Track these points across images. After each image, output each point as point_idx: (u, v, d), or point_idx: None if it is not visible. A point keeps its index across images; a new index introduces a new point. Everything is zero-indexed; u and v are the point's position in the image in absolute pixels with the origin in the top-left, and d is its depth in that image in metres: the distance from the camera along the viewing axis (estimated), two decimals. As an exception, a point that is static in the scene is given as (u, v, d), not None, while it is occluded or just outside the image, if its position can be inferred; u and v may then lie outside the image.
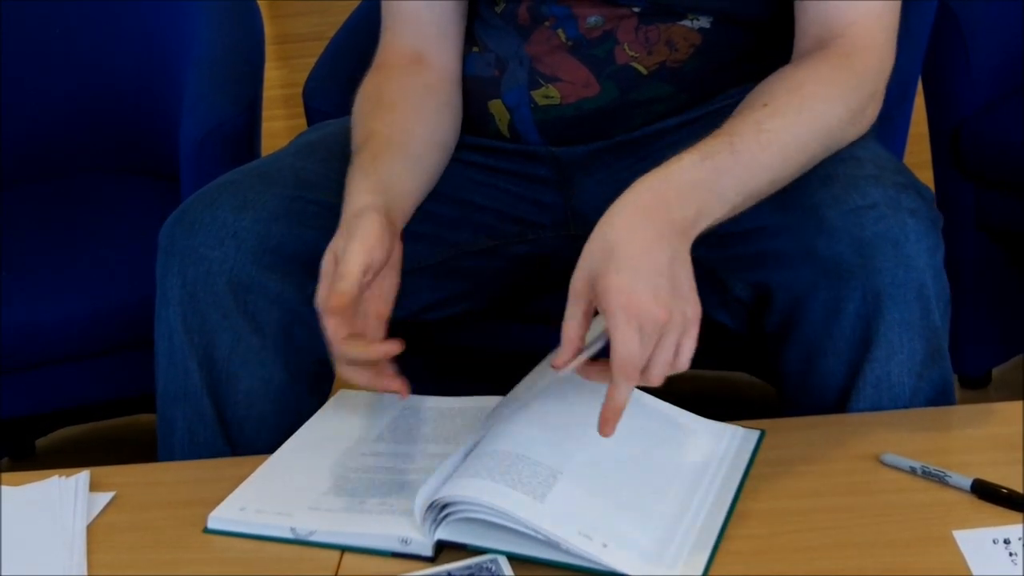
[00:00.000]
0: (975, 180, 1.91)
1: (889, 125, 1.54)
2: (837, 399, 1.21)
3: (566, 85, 1.35)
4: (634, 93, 1.34)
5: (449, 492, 1.03)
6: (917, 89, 1.64)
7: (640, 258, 1.04)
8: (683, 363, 1.04)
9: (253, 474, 1.17)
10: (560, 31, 1.34)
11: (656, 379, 1.04)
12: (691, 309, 1.05)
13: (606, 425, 1.05)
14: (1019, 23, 1.91)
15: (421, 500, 1.04)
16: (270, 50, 2.07)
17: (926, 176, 1.81)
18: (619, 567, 0.99)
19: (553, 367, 1.06)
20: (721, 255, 1.25)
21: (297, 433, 1.23)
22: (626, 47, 1.33)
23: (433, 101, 1.39)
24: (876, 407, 1.20)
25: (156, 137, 1.96)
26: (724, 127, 1.16)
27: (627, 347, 1.02)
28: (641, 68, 1.33)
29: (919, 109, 1.74)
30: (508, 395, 1.16)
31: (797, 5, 1.27)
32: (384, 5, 1.43)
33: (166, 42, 1.95)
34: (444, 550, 1.04)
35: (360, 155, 1.28)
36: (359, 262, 1.16)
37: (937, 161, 1.95)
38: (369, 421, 1.26)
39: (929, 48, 1.61)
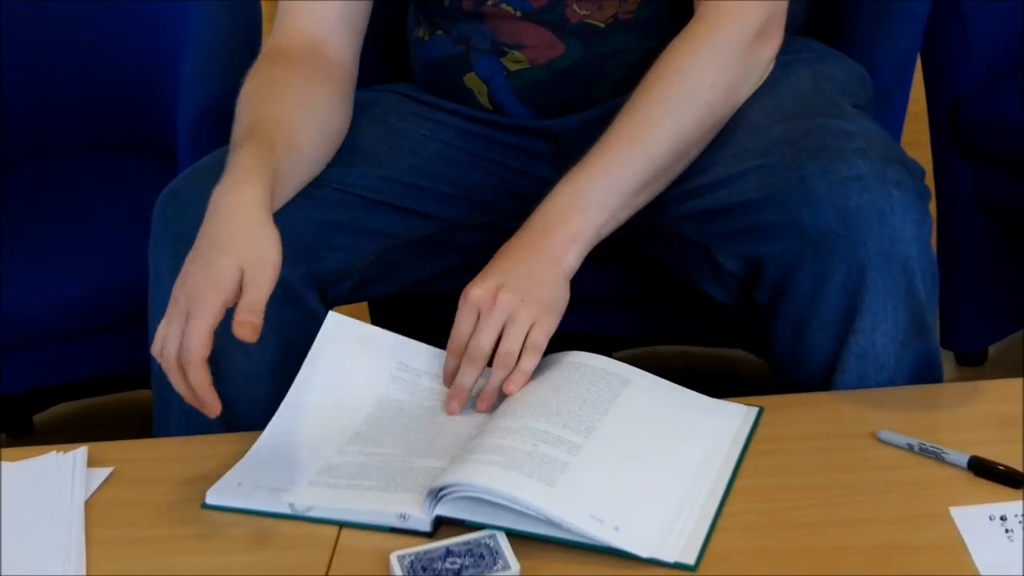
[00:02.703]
0: (973, 158, 1.91)
1: (888, 103, 1.54)
2: (825, 372, 1.22)
3: (532, 50, 1.37)
4: (598, 47, 1.36)
5: (461, 479, 1.03)
6: (916, 67, 1.63)
7: (503, 264, 1.20)
8: (533, 345, 1.16)
9: (252, 448, 1.17)
10: (506, 6, 1.37)
11: (505, 356, 1.16)
12: (547, 305, 1.17)
13: (450, 403, 1.18)
14: (1018, 1, 1.91)
15: (433, 485, 1.04)
16: (268, 29, 2.06)
17: (924, 154, 1.81)
18: (626, 547, 0.99)
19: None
20: (712, 231, 1.26)
21: (295, 384, 1.21)
22: (576, 7, 1.36)
23: (324, 88, 1.34)
24: (862, 378, 1.20)
25: (154, 116, 1.96)
26: (600, 139, 1.24)
27: (459, 328, 1.18)
28: (597, 23, 1.36)
29: (918, 87, 1.73)
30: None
31: None
32: None
33: (164, 20, 1.94)
34: (442, 526, 1.05)
35: (254, 138, 1.24)
36: (269, 288, 1.14)
37: (936, 139, 1.95)
38: (369, 379, 1.24)
39: (928, 26, 1.60)
